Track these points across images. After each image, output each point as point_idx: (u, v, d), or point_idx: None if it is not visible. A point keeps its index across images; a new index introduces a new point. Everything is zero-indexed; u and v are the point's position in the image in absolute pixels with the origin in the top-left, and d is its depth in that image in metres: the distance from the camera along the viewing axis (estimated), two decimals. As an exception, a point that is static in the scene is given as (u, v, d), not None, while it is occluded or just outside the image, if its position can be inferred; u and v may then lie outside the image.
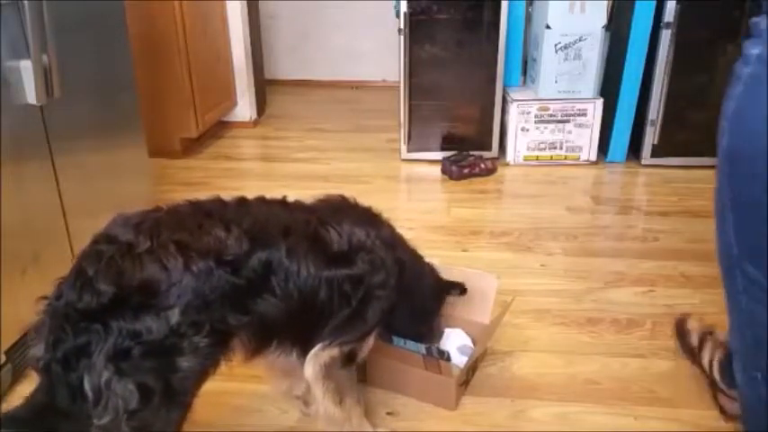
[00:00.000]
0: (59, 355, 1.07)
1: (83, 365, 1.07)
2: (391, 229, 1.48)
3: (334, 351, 1.36)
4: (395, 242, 1.44)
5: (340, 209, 1.42)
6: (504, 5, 3.05)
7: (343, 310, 1.33)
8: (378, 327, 1.44)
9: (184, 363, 1.13)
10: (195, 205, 1.27)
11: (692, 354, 1.67)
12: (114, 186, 2.11)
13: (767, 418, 1.17)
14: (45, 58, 1.69)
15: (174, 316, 1.10)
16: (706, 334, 1.63)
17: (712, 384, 1.64)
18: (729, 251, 1.07)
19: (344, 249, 1.32)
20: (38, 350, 1.10)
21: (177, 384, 1.13)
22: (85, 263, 1.11)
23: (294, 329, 1.32)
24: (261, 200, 1.35)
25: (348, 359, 1.41)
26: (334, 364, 1.38)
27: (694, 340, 1.64)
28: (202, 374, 1.19)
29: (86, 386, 1.07)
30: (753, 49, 0.96)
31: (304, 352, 1.37)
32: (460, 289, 1.74)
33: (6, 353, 1.67)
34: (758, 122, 0.92)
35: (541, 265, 2.34)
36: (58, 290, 1.11)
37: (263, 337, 1.28)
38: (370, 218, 1.44)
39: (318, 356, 1.36)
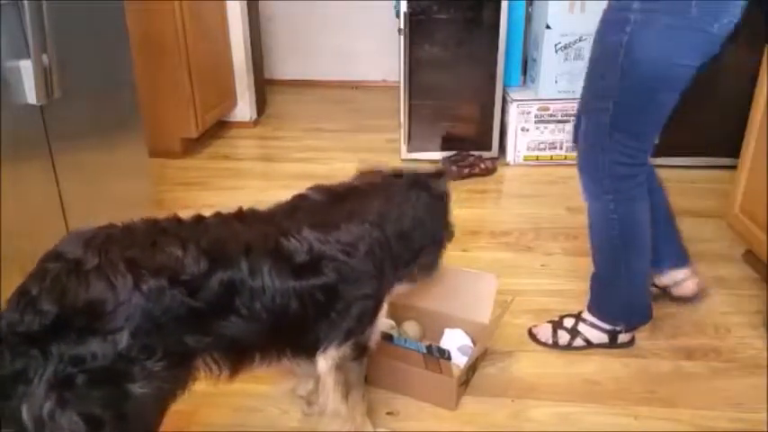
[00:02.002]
0: None
1: (20, 393, 1.00)
2: (349, 221, 1.33)
3: (343, 349, 1.36)
4: (355, 240, 1.31)
5: (296, 210, 1.34)
6: (504, 5, 3.05)
7: (324, 318, 1.29)
8: (376, 318, 1.42)
9: (137, 389, 1.07)
10: (151, 222, 1.20)
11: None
12: (114, 186, 2.11)
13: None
14: (45, 58, 1.70)
15: (123, 340, 1.03)
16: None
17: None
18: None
19: (306, 260, 1.24)
20: None
21: (131, 411, 1.07)
22: (30, 282, 1.05)
23: (275, 342, 1.29)
24: (217, 216, 1.28)
25: (359, 351, 1.40)
26: (347, 357, 1.37)
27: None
28: (164, 398, 1.14)
29: (25, 416, 1.01)
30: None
31: (297, 355, 1.35)
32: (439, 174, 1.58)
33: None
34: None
35: (541, 265, 2.34)
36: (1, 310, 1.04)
37: (241, 356, 1.24)
38: (325, 216, 1.33)
39: (330, 354, 1.35)
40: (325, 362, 1.36)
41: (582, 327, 1.87)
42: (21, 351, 1.00)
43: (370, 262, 1.32)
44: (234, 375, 1.27)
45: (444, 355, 1.56)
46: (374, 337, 1.45)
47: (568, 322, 1.89)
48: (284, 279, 1.21)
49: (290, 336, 1.30)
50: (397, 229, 1.38)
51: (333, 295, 1.28)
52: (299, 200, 1.39)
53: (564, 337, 1.88)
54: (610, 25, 1.61)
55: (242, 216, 1.29)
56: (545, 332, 1.91)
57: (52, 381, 1.00)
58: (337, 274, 1.27)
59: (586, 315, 1.88)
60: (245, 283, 1.17)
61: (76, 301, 1.02)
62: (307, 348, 1.35)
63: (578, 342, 1.87)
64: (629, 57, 1.53)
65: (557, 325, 1.91)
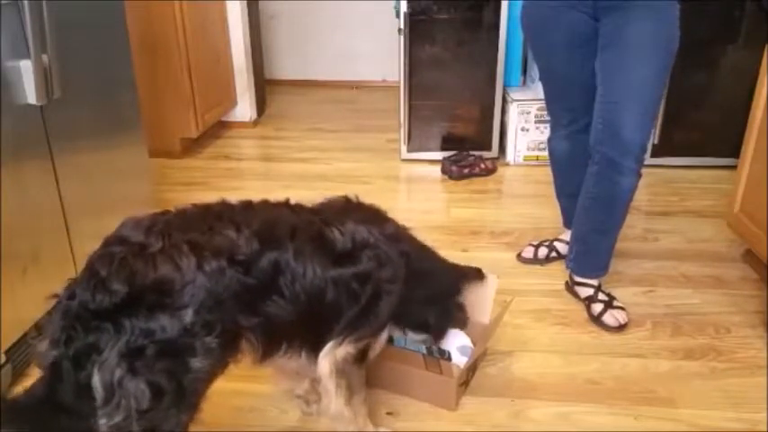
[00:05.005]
0: (71, 352, 1.07)
1: (92, 362, 1.07)
2: (395, 224, 1.48)
3: (350, 347, 1.37)
4: (399, 236, 1.44)
5: (343, 209, 1.44)
6: (504, 5, 3.05)
7: (352, 307, 1.33)
8: (390, 321, 1.45)
9: (196, 363, 1.13)
10: (203, 208, 1.29)
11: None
12: (114, 186, 2.11)
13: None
14: (45, 58, 1.70)
15: (188, 315, 1.11)
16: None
17: None
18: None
19: (348, 248, 1.32)
20: (42, 346, 1.10)
21: (188, 385, 1.14)
22: (98, 264, 1.12)
23: (304, 330, 1.33)
24: (265, 203, 1.36)
25: (361, 355, 1.42)
26: (348, 360, 1.39)
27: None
28: (211, 376, 1.19)
29: (96, 384, 1.07)
30: None
31: (314, 351, 1.37)
32: (478, 275, 1.72)
33: (6, 353, 1.67)
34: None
35: (541, 266, 2.34)
36: (70, 290, 1.11)
37: (273, 340, 1.29)
38: (372, 216, 1.45)
39: (334, 353, 1.36)
40: (326, 363, 1.37)
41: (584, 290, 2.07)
42: (93, 326, 1.07)
43: (403, 260, 1.40)
44: (262, 361, 1.31)
45: (444, 355, 1.56)
46: (379, 344, 1.48)
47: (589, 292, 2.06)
48: (324, 266, 1.28)
49: (319, 326, 1.34)
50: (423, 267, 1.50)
51: (366, 283, 1.33)
52: (346, 201, 1.48)
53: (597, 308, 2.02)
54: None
55: (289, 205, 1.39)
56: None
57: (124, 351, 1.07)
58: (376, 262, 1.34)
59: (578, 279, 2.08)
60: (289, 265, 1.24)
61: (145, 281, 1.10)
62: (321, 342, 1.37)
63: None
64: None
65: (590, 299, 2.04)
